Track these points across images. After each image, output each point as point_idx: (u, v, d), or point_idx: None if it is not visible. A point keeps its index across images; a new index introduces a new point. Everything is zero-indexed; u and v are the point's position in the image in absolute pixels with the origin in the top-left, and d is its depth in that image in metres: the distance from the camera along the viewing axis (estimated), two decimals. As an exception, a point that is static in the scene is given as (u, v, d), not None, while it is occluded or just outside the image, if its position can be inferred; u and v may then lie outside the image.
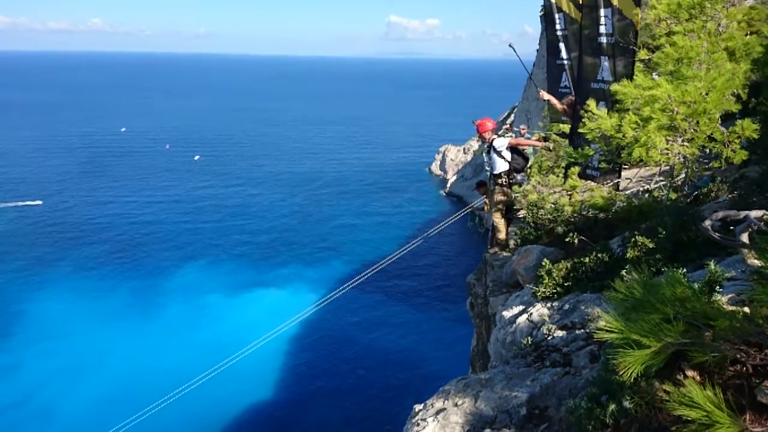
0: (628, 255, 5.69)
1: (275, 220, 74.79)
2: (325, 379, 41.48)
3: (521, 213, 12.27)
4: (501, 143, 8.65)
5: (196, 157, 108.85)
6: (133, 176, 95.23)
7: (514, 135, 15.73)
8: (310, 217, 75.92)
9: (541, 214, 9.12)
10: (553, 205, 9.10)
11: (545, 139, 12.69)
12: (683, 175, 8.67)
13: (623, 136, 7.89)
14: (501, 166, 8.58)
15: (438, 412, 4.50)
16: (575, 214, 8.85)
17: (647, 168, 10.91)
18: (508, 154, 8.65)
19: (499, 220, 8.81)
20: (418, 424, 4.46)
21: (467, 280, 13.41)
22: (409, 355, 43.93)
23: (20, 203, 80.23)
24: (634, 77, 8.17)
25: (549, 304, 6.47)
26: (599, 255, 6.25)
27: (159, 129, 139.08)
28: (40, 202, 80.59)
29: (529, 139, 14.88)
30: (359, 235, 70.07)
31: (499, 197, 8.80)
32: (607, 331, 2.73)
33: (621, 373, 2.73)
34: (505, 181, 8.71)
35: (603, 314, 2.81)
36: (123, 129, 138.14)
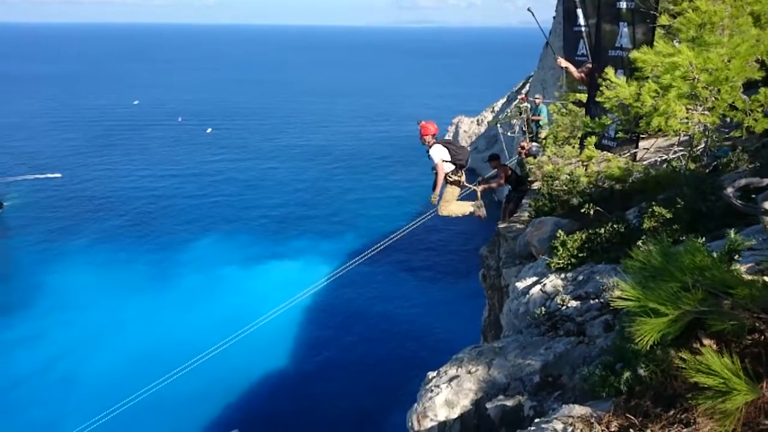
0: (644, 225, 5.62)
1: (289, 194, 75.04)
2: (337, 351, 42.15)
3: (535, 185, 12.16)
4: (435, 152, 8.49)
5: (209, 130, 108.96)
6: (147, 149, 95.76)
7: (523, 112, 15.50)
8: (323, 191, 76.02)
9: (556, 186, 9.02)
10: (568, 176, 8.99)
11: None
12: (703, 145, 8.49)
13: (642, 104, 7.72)
14: (448, 166, 8.46)
15: (451, 379, 4.56)
16: (591, 185, 8.74)
17: (666, 138, 10.69)
18: (443, 155, 8.45)
19: (449, 207, 8.67)
20: (432, 390, 4.51)
21: (480, 252, 13.41)
22: (420, 328, 44.35)
23: (40, 176, 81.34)
24: (655, 44, 7.94)
25: (563, 275, 6.45)
26: (615, 226, 6.19)
27: (171, 101, 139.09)
28: (59, 175, 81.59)
29: (538, 115, 14.51)
30: (372, 210, 70.06)
31: (449, 189, 8.66)
32: (624, 299, 2.72)
33: (637, 340, 2.73)
34: (453, 179, 8.57)
35: (620, 282, 2.79)
36: (136, 102, 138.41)
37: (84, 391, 37.17)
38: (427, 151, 8.59)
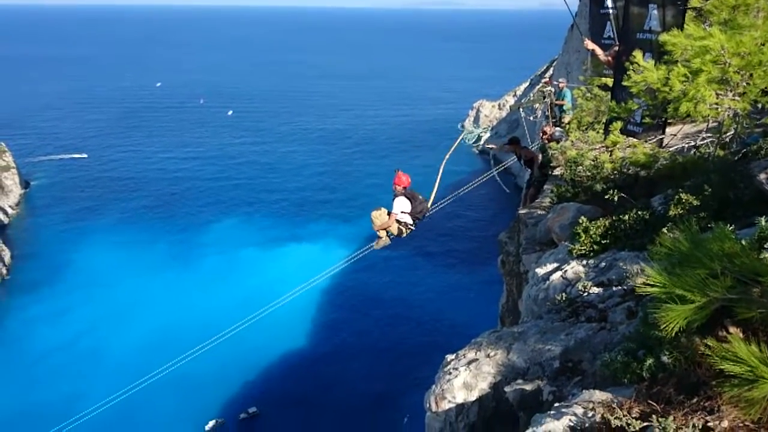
0: (670, 212, 5.52)
1: (308, 177, 75.38)
2: (354, 334, 42.57)
3: (558, 170, 12.01)
4: (398, 204, 8.74)
5: (230, 113, 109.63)
6: (170, 131, 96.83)
7: (545, 99, 15.24)
8: (342, 175, 76.16)
9: (580, 171, 8.88)
10: (592, 162, 8.84)
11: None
12: (732, 131, 8.26)
13: (670, 89, 7.52)
14: (400, 215, 8.74)
15: (470, 362, 4.57)
16: (615, 171, 8.59)
17: (693, 124, 10.44)
18: (404, 208, 8.72)
19: (383, 235, 8.94)
20: (450, 373, 4.54)
21: (499, 238, 13.32)
22: (437, 313, 44.49)
23: (66, 156, 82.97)
24: (685, 27, 7.70)
25: (584, 262, 6.38)
26: (639, 212, 6.09)
27: (193, 83, 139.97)
28: (85, 156, 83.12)
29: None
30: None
31: (394, 228, 8.89)
32: (649, 285, 2.68)
33: (662, 327, 2.70)
34: (404, 224, 8.82)
35: (646, 268, 2.75)
36: (158, 84, 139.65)
37: (108, 365, 38.25)
38: (393, 198, 9.00)
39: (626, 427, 2.61)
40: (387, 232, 8.98)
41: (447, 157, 10.55)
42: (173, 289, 47.96)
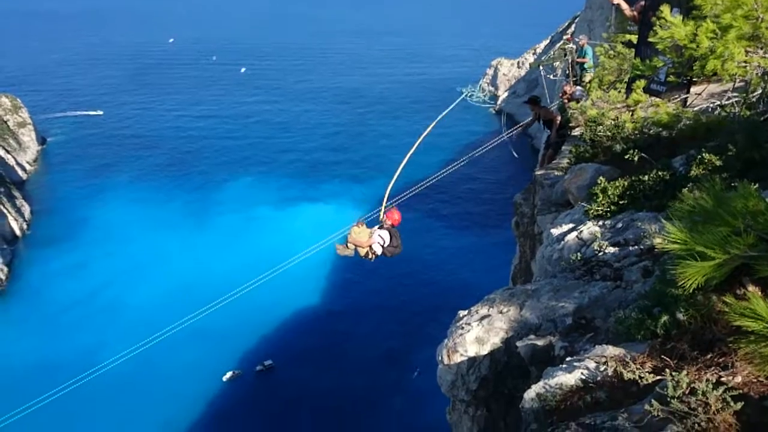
0: (691, 173, 5.41)
1: (322, 137, 74.94)
2: (366, 293, 43.16)
3: (576, 131, 11.77)
4: (378, 235, 8.76)
5: (243, 70, 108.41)
6: (183, 88, 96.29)
7: (569, 55, 14.75)
8: (356, 135, 75.58)
9: (600, 131, 8.69)
10: (613, 122, 8.64)
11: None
12: (760, 91, 7.99)
13: (698, 46, 7.25)
14: (376, 245, 8.81)
15: (482, 318, 4.61)
16: (636, 132, 8.39)
17: (719, 83, 10.08)
18: (383, 241, 8.77)
19: (351, 248, 9.07)
20: (463, 327, 4.59)
21: (514, 200, 13.23)
22: (449, 275, 44.83)
23: (82, 112, 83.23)
24: (718, -21, 7.35)
25: (601, 222, 6.32)
26: (660, 173, 5.98)
27: (205, 39, 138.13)
28: (101, 113, 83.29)
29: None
30: (404, 156, 69.14)
31: (362, 251, 8.97)
32: (670, 241, 2.65)
33: (680, 284, 2.68)
34: (373, 252, 8.91)
35: (667, 225, 2.71)
36: (171, 39, 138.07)
37: (127, 319, 39.40)
38: (380, 226, 9.08)
39: (639, 381, 2.64)
40: (355, 248, 9.16)
41: (419, 141, 10.35)
42: (189, 246, 48.75)
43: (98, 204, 56.72)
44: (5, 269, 46.95)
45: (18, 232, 52.59)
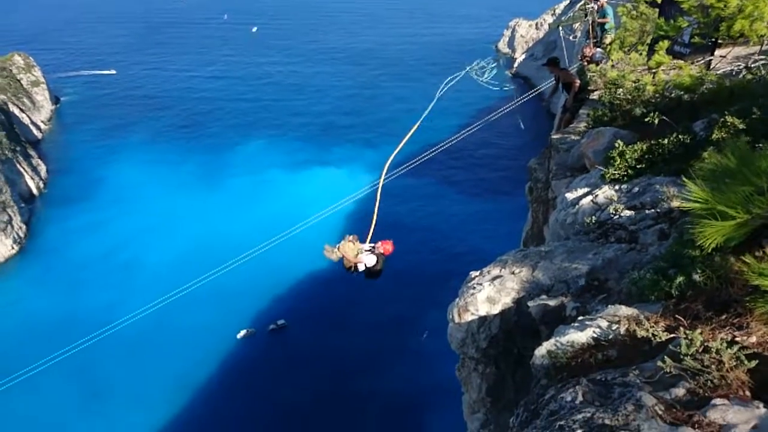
0: (713, 136, 5.28)
1: (334, 101, 74.11)
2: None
3: (595, 94, 11.50)
4: (368, 258, 8.92)
5: (254, 29, 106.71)
6: (195, 48, 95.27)
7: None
8: (368, 98, 74.62)
9: (619, 94, 8.47)
10: (633, 84, 8.41)
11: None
12: (790, 54, 7.71)
13: (725, 5, 6.99)
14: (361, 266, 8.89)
15: (494, 278, 4.63)
16: (657, 95, 8.18)
17: (746, 45, 9.75)
18: (370, 264, 8.94)
19: (337, 256, 9.27)
20: (474, 288, 4.61)
21: (528, 165, 13.08)
22: (458, 242, 44.82)
23: (96, 72, 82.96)
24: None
25: (617, 186, 6.24)
26: (680, 136, 5.84)
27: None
28: (114, 72, 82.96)
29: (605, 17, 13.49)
30: (417, 120, 68.18)
31: (347, 263, 9.13)
32: (690, 200, 2.61)
33: (698, 244, 2.65)
34: (356, 267, 9.10)
35: (688, 182, 2.66)
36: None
37: (143, 277, 40.22)
38: (370, 249, 9.22)
39: (652, 339, 2.64)
40: (342, 258, 9.38)
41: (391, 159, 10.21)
42: (203, 207, 49.19)
43: (112, 164, 57.15)
44: (24, 227, 47.86)
45: (35, 191, 53.35)
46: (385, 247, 9.77)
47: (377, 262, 9.54)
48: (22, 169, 52.85)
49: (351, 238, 9.62)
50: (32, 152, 57.38)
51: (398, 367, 33.78)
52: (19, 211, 48.28)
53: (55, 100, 72.67)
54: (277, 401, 31.80)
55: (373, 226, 10.08)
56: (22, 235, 47.16)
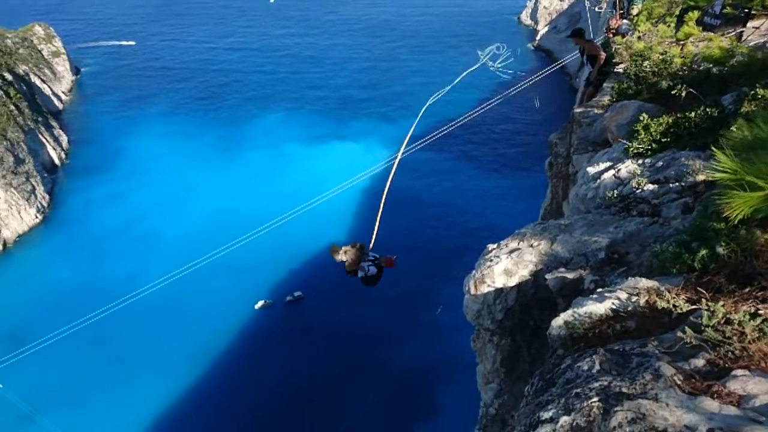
0: (742, 109, 5.12)
1: (352, 74, 73.41)
2: (393, 234, 43.41)
3: (620, 67, 11.20)
4: (372, 269, 8.86)
5: (272, 0, 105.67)
6: (213, 19, 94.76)
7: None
8: (386, 71, 73.74)
9: (646, 66, 8.24)
10: (660, 56, 8.16)
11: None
12: (827, 25, 7.39)
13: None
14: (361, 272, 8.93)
15: (512, 251, 4.61)
16: (684, 68, 7.93)
17: (782, 17, 9.36)
18: (371, 273, 8.91)
19: (340, 258, 9.24)
20: (491, 260, 4.60)
21: (549, 139, 12.88)
22: (474, 218, 44.58)
23: (115, 42, 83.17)
24: None
25: (640, 161, 6.12)
26: (707, 109, 5.68)
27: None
28: (133, 43, 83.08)
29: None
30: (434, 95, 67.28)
31: (348, 265, 9.06)
32: (718, 171, 2.55)
33: (725, 215, 2.60)
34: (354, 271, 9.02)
35: (717, 152, 2.60)
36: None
37: (163, 247, 40.92)
38: (373, 260, 9.14)
39: (673, 310, 2.62)
40: (345, 261, 9.41)
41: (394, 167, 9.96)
42: (221, 180, 49.59)
43: (132, 135, 57.67)
44: (47, 197, 48.81)
45: (57, 161, 54.20)
46: (388, 262, 9.98)
47: (378, 272, 9.73)
48: (44, 140, 53.63)
49: (358, 245, 9.80)
50: (54, 123, 58.09)
51: (412, 340, 34.15)
52: (42, 181, 49.18)
53: (76, 70, 73.13)
54: (293, 370, 32.49)
55: (375, 231, 10.08)
56: (45, 204, 48.11)
